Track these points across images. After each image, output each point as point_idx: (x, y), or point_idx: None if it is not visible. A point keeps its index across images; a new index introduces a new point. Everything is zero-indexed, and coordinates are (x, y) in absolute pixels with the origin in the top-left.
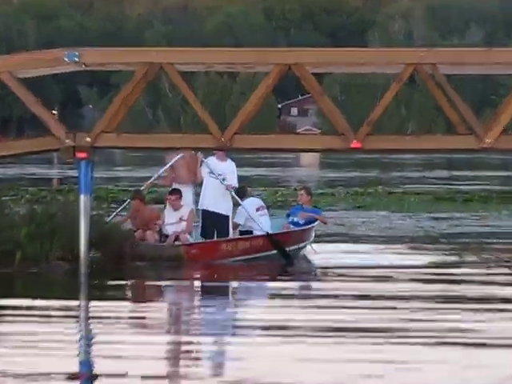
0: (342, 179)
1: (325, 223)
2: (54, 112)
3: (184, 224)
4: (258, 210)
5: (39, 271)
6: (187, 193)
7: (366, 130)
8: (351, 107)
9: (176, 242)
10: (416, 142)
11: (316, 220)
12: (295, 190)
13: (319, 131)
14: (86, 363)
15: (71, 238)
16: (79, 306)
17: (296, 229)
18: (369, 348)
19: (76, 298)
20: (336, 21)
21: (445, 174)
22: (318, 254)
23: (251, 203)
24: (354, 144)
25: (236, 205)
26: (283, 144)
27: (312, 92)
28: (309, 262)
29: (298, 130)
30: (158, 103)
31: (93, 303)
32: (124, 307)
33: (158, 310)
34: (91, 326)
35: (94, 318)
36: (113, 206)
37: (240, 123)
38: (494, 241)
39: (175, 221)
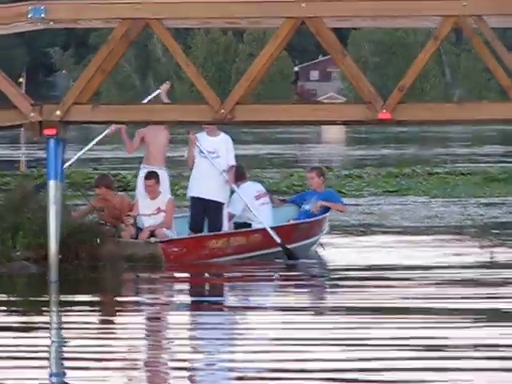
0: (372, 158)
1: (342, 211)
2: (20, 80)
3: (162, 216)
4: (257, 197)
5: (0, 274)
6: (163, 177)
7: (396, 98)
8: (386, 71)
9: (152, 239)
10: (458, 112)
11: (329, 209)
12: None
13: (344, 99)
14: None
15: (39, 234)
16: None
17: (301, 221)
18: None
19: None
20: None
21: (498, 149)
22: (326, 249)
23: (249, 189)
24: (383, 114)
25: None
26: (295, 116)
27: (331, 51)
28: (321, 262)
29: (319, 98)
30: (148, 69)
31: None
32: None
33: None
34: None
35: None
36: (90, 193)
37: (243, 91)
38: None
39: (151, 212)
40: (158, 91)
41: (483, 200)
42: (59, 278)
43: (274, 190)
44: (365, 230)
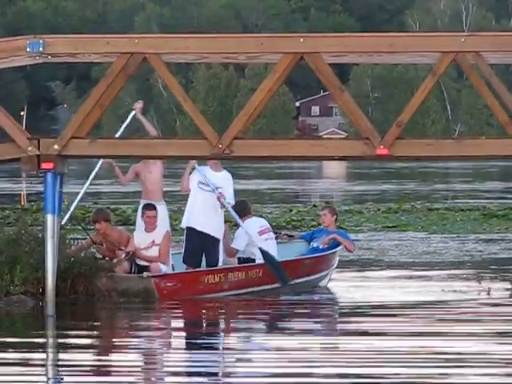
0: (372, 193)
1: (350, 251)
2: (21, 113)
3: (156, 249)
4: (261, 233)
5: None
6: (163, 211)
7: (394, 134)
8: (388, 106)
9: (145, 273)
10: (456, 148)
11: (339, 244)
12: (314, 206)
13: (346, 134)
14: None
15: (36, 268)
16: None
17: (309, 256)
18: None
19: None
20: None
21: (498, 186)
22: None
23: (253, 225)
24: (381, 150)
25: (230, 226)
26: (293, 151)
27: (328, 87)
28: (323, 296)
29: (320, 133)
30: (150, 103)
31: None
32: None
33: None
34: None
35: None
36: (90, 228)
37: (241, 126)
38: None
39: (146, 245)
40: (132, 113)
41: (482, 236)
42: (56, 311)
43: (274, 225)
44: (362, 264)
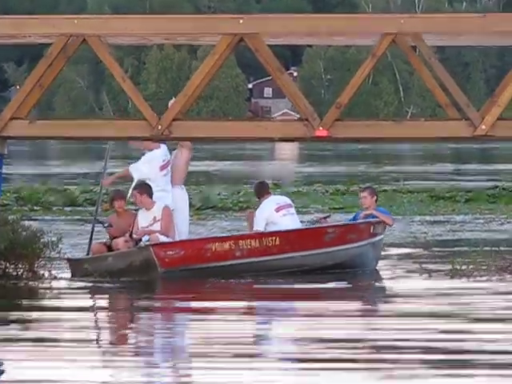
0: (322, 175)
1: (389, 225)
2: None
3: (159, 225)
4: (277, 210)
5: None
6: (176, 194)
7: (333, 115)
8: (340, 87)
9: (142, 243)
10: (395, 129)
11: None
12: None
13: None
14: None
15: None
16: None
17: (333, 224)
18: None
19: None
20: None
21: (448, 167)
22: None
23: (270, 203)
24: (320, 131)
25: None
26: (233, 132)
27: (268, 69)
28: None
29: (273, 115)
30: (102, 85)
31: None
32: None
33: None
34: None
35: None
36: (36, 208)
37: (180, 107)
38: (499, 249)
39: (149, 223)
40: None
41: (428, 218)
42: None
43: (220, 207)
44: None
